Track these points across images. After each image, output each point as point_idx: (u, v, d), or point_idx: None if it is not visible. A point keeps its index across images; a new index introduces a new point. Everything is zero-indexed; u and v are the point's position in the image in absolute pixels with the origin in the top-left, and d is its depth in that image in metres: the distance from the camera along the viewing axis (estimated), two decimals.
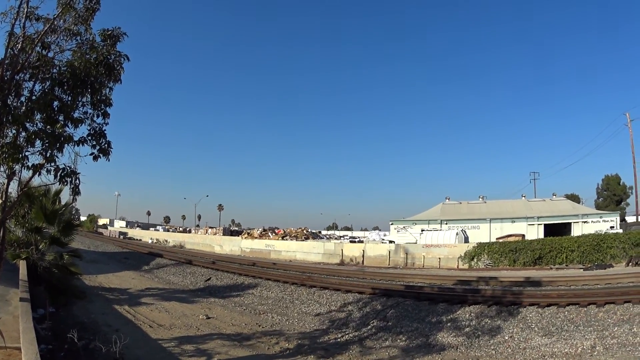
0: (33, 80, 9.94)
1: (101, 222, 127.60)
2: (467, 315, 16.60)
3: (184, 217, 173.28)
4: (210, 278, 29.47)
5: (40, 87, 9.97)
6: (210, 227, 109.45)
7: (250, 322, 18.47)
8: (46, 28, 9.71)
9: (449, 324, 16.12)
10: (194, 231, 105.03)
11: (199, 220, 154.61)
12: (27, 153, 9.37)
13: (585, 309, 15.10)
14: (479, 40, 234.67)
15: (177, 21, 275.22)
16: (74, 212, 76.52)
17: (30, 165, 9.51)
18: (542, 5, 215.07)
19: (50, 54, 10.11)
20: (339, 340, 15.91)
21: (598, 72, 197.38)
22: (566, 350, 12.72)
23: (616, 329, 13.21)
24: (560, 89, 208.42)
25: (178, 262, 37.19)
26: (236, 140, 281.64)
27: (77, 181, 9.70)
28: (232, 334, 16.32)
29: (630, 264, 34.47)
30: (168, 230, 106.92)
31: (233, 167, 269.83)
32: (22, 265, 15.75)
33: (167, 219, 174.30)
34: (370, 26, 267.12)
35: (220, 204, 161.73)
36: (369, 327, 17.13)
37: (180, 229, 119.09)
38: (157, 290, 25.13)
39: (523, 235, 59.74)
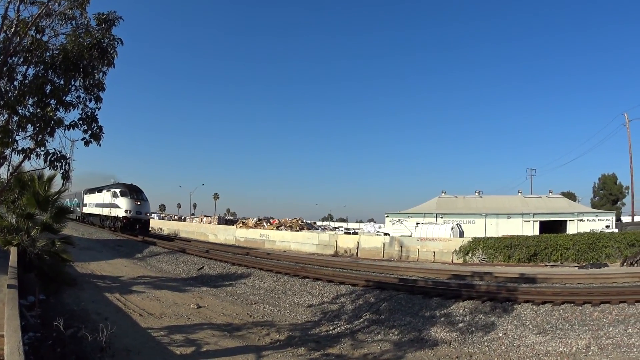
0: (26, 64, 9.82)
1: None
2: (461, 311, 16.51)
3: (179, 206, 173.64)
4: (203, 267, 29.30)
5: (34, 71, 9.85)
6: (205, 216, 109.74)
7: (242, 312, 18.35)
8: (41, 11, 9.59)
9: (442, 319, 16.01)
10: (189, 220, 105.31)
11: (195, 208, 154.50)
12: (17, 137, 9.25)
13: (581, 307, 15.04)
14: (477, 34, 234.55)
15: (176, 9, 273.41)
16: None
17: (20, 150, 9.40)
18: (543, 1, 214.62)
19: (45, 38, 10.00)
20: (330, 332, 15.77)
21: (598, 70, 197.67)
22: (561, 349, 12.65)
23: (611, 329, 13.17)
24: (559, 86, 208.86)
25: (171, 251, 36.90)
26: (233, 129, 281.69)
27: (67, 166, 9.61)
28: (223, 324, 16.19)
29: (625, 264, 34.62)
30: (163, 219, 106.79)
31: (229, 156, 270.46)
32: (13, 252, 15.66)
33: (162, 207, 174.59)
34: (364, 17, 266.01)
35: (216, 193, 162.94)
36: (362, 320, 17.00)
37: (175, 217, 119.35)
38: (149, 279, 24.97)
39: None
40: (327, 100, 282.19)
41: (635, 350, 11.80)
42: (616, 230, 53.07)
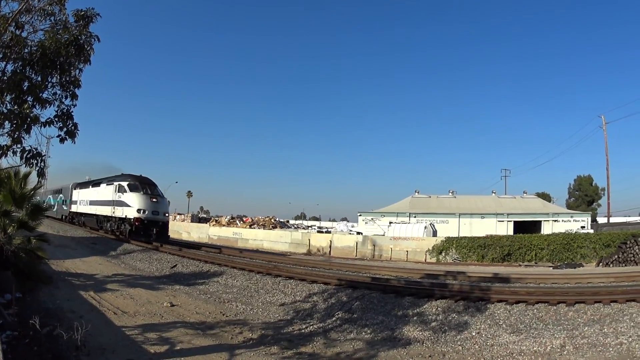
0: (5, 60, 9.80)
1: None
2: (433, 310, 16.58)
3: None
4: (176, 265, 29.13)
5: (12, 67, 9.86)
6: (178, 214, 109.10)
7: (215, 310, 18.34)
8: (21, 7, 9.57)
9: (415, 318, 16.07)
10: None
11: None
12: None
13: (555, 307, 15.18)
14: (453, 35, 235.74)
15: (150, 6, 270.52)
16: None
17: None
18: (522, 2, 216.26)
19: (24, 34, 9.99)
20: (303, 331, 15.79)
21: (576, 72, 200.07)
22: (535, 348, 12.73)
23: (586, 328, 13.27)
24: (536, 88, 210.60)
25: (145, 249, 36.50)
26: (207, 127, 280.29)
27: (42, 163, 9.65)
28: (196, 322, 16.22)
29: (600, 264, 35.09)
30: None
31: (202, 154, 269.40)
32: None
33: None
34: (341, 17, 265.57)
35: (190, 191, 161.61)
36: (334, 318, 17.01)
37: None
38: (122, 277, 24.80)
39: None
40: (301, 100, 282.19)
41: (611, 349, 11.91)
42: (592, 231, 53.79)
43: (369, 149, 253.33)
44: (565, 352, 12.26)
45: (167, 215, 44.88)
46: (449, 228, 73.15)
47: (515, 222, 75.47)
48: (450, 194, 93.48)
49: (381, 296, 18.60)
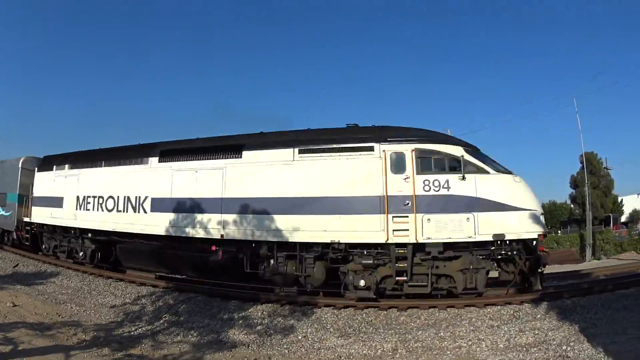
0: None
1: None
2: (259, 314, 16.87)
3: None
4: (17, 264, 28.06)
5: None
6: None
7: (52, 311, 18.11)
8: None
9: (240, 322, 16.31)
10: None
11: None
12: None
13: (386, 312, 15.67)
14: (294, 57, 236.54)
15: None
16: None
17: None
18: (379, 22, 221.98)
19: None
20: (132, 333, 15.81)
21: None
22: (364, 351, 13.06)
23: (420, 332, 13.70)
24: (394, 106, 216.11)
25: None
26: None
27: None
28: (35, 322, 16.07)
29: None
30: None
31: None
32: None
33: None
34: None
35: None
36: (161, 321, 17.06)
37: None
38: None
39: None
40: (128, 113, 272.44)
41: (449, 352, 12.37)
42: None
43: None
44: (397, 355, 12.64)
45: None
46: None
47: None
48: None
49: (207, 299, 18.86)
